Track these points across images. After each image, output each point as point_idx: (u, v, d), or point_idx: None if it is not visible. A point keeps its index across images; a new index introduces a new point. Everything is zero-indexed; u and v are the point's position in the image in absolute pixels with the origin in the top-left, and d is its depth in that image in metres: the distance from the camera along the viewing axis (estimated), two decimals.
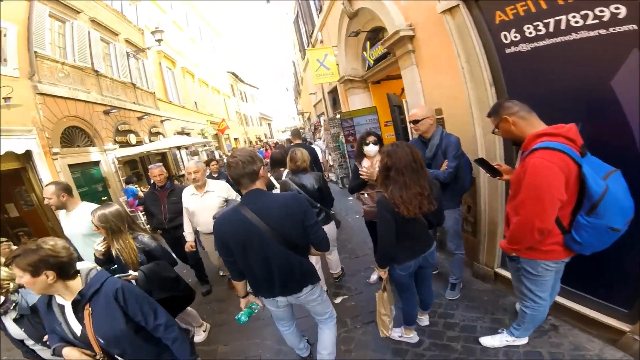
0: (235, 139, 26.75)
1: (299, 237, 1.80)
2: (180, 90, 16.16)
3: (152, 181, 4.03)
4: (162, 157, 12.51)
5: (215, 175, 5.56)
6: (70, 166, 7.52)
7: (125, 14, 11.84)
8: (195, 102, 18.38)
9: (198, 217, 3.42)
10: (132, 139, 10.13)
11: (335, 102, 8.74)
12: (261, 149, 13.34)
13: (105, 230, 2.23)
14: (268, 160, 9.35)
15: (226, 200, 3.41)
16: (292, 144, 6.87)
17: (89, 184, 8.21)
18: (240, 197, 3.19)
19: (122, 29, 11.18)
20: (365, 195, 3.41)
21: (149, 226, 4.44)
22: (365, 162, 3.40)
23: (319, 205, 3.13)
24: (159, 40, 11.85)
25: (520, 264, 1.97)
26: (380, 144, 3.33)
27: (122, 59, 10.98)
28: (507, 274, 2.82)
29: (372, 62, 5.90)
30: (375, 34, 5.82)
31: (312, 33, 9.62)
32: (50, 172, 6.81)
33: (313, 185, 3.05)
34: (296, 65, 17.26)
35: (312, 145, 8.01)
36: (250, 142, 30.18)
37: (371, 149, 3.28)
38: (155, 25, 12.71)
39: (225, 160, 11.60)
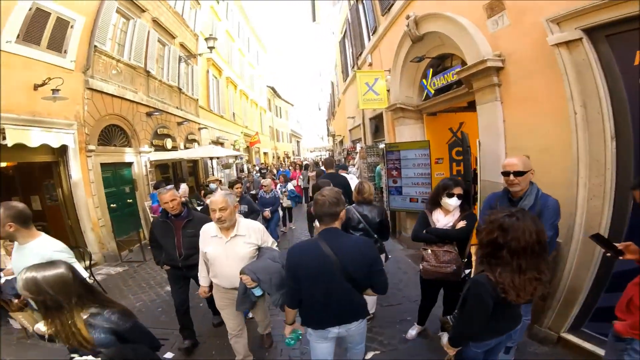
0: (265, 154, 26.67)
1: (363, 278, 1.93)
2: (222, 100, 16.17)
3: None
4: (193, 164, 12.29)
5: (238, 199, 5.03)
6: (102, 165, 7.25)
7: (185, 18, 11.93)
8: (234, 113, 18.38)
9: (219, 267, 2.58)
10: (169, 143, 9.91)
11: (377, 130, 8.12)
12: (287, 169, 12.80)
13: (36, 304, 1.49)
14: (300, 176, 8.88)
15: (258, 248, 2.59)
16: (323, 171, 7.57)
17: (117, 184, 7.92)
18: (275, 243, 2.78)
19: (179, 33, 11.21)
20: (429, 251, 2.74)
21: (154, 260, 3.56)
22: (440, 216, 2.74)
23: (375, 236, 3.22)
24: (211, 48, 11.88)
25: (630, 344, 1.68)
26: (466, 199, 2.63)
27: (174, 62, 10.96)
28: (574, 339, 2.73)
29: (433, 92, 5.26)
30: (440, 61, 5.21)
31: (360, 55, 9.18)
32: (81, 168, 6.53)
33: (375, 217, 3.23)
34: (335, 86, 16.96)
35: (344, 174, 7.44)
36: (279, 157, 30.05)
37: (453, 202, 2.68)
38: (209, 32, 12.79)
39: (252, 175, 11.10)
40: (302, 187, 10.97)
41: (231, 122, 17.78)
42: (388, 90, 6.52)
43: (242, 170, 15.98)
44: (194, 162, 12.19)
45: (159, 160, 9.15)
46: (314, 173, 9.48)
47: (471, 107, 5.25)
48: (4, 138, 4.87)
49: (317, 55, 31.36)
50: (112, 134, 7.87)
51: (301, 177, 11.04)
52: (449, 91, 4.87)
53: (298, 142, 45.09)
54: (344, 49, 12.11)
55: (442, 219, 2.83)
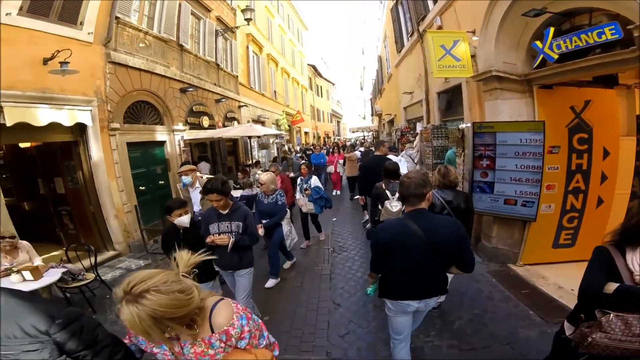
0: (306, 133, 25.26)
1: (452, 255, 1.90)
2: (262, 77, 14.81)
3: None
4: (233, 143, 11.22)
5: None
6: (130, 144, 6.26)
7: None
8: (275, 91, 17.02)
9: None
10: (205, 121, 8.80)
11: (449, 107, 6.18)
12: (322, 152, 10.66)
13: None
14: (341, 161, 7.27)
15: None
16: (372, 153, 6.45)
17: (148, 165, 6.97)
18: None
19: (215, 6, 9.92)
20: (613, 317, 1.41)
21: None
22: None
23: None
24: (248, 20, 10.43)
25: None
26: None
27: (209, 37, 9.68)
28: None
29: (555, 57, 3.36)
30: (566, 18, 3.38)
31: (423, 19, 7.13)
32: (102, 149, 5.54)
33: (460, 204, 2.76)
34: (384, 60, 14.74)
35: (394, 158, 5.82)
36: (319, 137, 28.49)
37: None
38: (247, 4, 11.31)
39: (293, 156, 9.58)
40: (341, 173, 9.42)
41: (272, 101, 16.47)
42: (473, 57, 4.63)
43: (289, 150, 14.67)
44: (234, 142, 11.11)
45: (194, 139, 8.07)
46: (351, 154, 8.77)
47: (599, 81, 3.83)
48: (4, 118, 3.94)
49: (361, 31, 28.74)
50: (141, 111, 6.82)
51: (340, 162, 9.40)
52: (587, 56, 3.02)
53: (338, 122, 43.06)
54: (397, 17, 9.95)
55: None
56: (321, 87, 32.81)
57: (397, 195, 3.24)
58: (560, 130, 3.72)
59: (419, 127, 7.73)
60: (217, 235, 2.68)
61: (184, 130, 7.82)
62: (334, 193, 9.21)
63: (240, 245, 2.72)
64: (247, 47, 13.17)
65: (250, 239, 2.79)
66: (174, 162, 7.44)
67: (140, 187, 6.62)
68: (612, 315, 1.37)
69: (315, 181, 5.09)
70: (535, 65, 3.68)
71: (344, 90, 49.58)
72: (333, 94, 40.21)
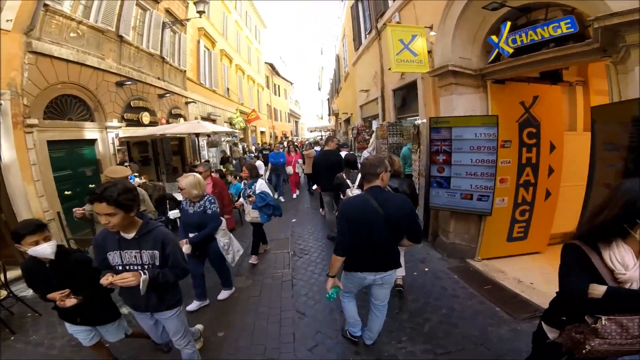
0: (262, 132, 24.53)
1: (404, 227, 2.14)
2: (214, 74, 13.93)
3: None
4: (179, 142, 10.31)
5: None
6: (51, 143, 5.34)
7: None
8: (228, 89, 16.17)
9: None
10: (145, 118, 7.91)
11: (403, 104, 6.19)
12: (280, 151, 8.89)
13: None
14: (300, 161, 6.85)
15: None
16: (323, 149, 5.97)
17: (75, 166, 6.02)
18: None
19: None
20: (606, 322, 1.30)
21: None
22: (626, 256, 1.34)
23: None
24: (200, 12, 9.57)
25: None
26: None
27: (155, 29, 8.80)
28: None
29: (510, 52, 3.39)
30: (522, 13, 3.49)
31: (382, 15, 7.10)
32: (15, 147, 4.64)
33: (405, 190, 3.14)
34: (342, 59, 14.73)
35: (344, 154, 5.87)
36: (276, 137, 27.88)
37: None
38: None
39: (247, 156, 8.93)
40: (300, 174, 8.99)
41: (225, 98, 15.63)
42: (429, 52, 4.61)
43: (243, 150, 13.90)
44: (180, 140, 10.21)
45: (131, 137, 7.18)
46: (309, 151, 8.64)
47: (546, 78, 4.02)
48: None
49: (320, 31, 28.75)
50: (67, 106, 5.89)
51: (299, 162, 8.79)
52: (541, 50, 3.08)
53: (297, 122, 42.67)
54: (356, 15, 9.92)
55: (630, 263, 1.32)
56: (279, 86, 32.18)
57: (357, 183, 3.68)
58: (512, 125, 3.80)
59: (374, 125, 7.70)
60: (116, 274, 1.82)
61: (120, 127, 6.93)
62: (293, 196, 8.78)
63: (160, 283, 1.90)
64: (198, 42, 12.33)
65: (174, 273, 1.94)
66: (107, 163, 6.54)
67: (66, 192, 5.70)
68: (604, 319, 1.23)
69: (261, 186, 4.26)
70: (490, 59, 3.72)
71: (303, 90, 49.49)
72: (291, 94, 39.74)
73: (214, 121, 13.17)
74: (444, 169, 4.03)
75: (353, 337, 2.69)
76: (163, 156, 9.12)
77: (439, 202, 4.14)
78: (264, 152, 11.87)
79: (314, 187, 5.61)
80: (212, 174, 5.33)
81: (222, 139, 11.51)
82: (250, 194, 4.28)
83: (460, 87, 4.04)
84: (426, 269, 4.10)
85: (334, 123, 20.85)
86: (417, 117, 5.61)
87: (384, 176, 2.15)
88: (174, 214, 3.80)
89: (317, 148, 10.69)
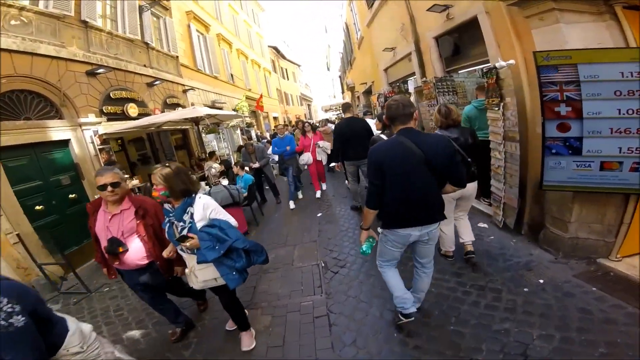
0: (275, 118, 23.07)
1: (445, 168, 1.84)
2: (213, 59, 12.49)
3: None
4: (183, 135, 9.07)
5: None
6: (5, 150, 4.16)
7: None
8: (232, 75, 14.74)
9: None
10: (132, 109, 6.62)
11: (456, 51, 4.38)
12: (289, 134, 6.55)
13: None
14: (321, 143, 5.08)
15: None
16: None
17: (45, 175, 4.83)
18: None
19: None
20: None
21: None
22: None
23: (469, 160, 2.54)
24: None
25: None
26: None
27: (131, 13, 7.43)
28: None
29: None
30: None
31: None
32: None
33: (467, 139, 2.65)
34: (351, 26, 12.79)
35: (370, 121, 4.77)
36: (290, 121, 26.32)
37: None
38: None
39: (254, 144, 6.45)
40: (324, 161, 5.96)
41: (230, 85, 14.26)
42: None
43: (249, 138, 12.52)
44: (183, 133, 8.97)
45: (114, 134, 5.91)
46: (325, 127, 7.37)
47: None
48: None
49: (321, 9, 26.46)
50: (21, 104, 4.67)
51: (320, 145, 5.83)
52: None
53: (309, 105, 40.86)
54: None
55: None
56: (286, 69, 30.38)
57: None
58: None
59: (411, 85, 5.98)
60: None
61: (99, 122, 5.67)
62: (317, 195, 6.16)
63: None
64: (189, 26, 10.94)
65: None
66: (88, 167, 5.35)
67: (37, 207, 4.54)
68: None
69: (206, 209, 2.11)
70: None
71: (312, 73, 47.29)
72: (300, 77, 37.82)
73: (220, 109, 11.89)
74: (570, 125, 2.38)
75: (405, 317, 2.17)
76: (163, 152, 7.90)
77: (559, 179, 2.51)
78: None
79: (332, 164, 4.90)
80: (157, 189, 2.16)
81: (226, 125, 10.02)
82: (186, 232, 2.00)
83: (568, 13, 2.49)
84: (541, 281, 2.57)
85: (350, 99, 19.00)
86: (476, 66, 3.98)
87: (416, 115, 1.91)
88: None
89: (331, 125, 9.14)
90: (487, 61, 3.58)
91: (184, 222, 2.04)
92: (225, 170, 5.80)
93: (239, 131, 10.88)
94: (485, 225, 3.72)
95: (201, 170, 6.95)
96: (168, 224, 2.10)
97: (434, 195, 1.88)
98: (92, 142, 5.46)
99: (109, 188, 2.15)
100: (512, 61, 2.79)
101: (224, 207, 4.50)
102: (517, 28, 3.02)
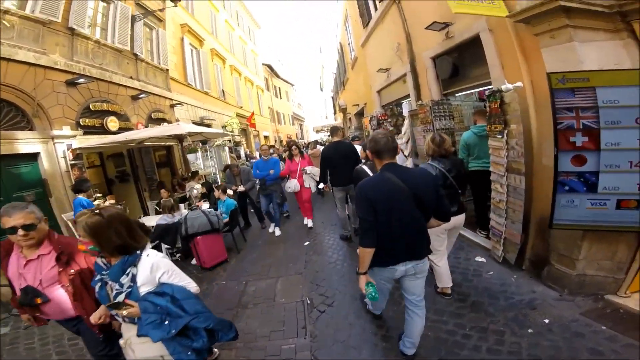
0: (266, 137, 22.96)
1: (431, 202, 1.85)
2: (205, 74, 12.42)
3: None
4: (167, 152, 8.74)
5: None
6: None
7: None
8: (224, 91, 14.66)
9: None
10: (112, 123, 6.32)
11: (455, 72, 4.27)
12: (273, 156, 6.40)
13: None
14: (309, 169, 4.65)
15: None
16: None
17: (9, 191, 4.44)
18: None
19: None
20: None
21: None
22: None
23: (460, 190, 2.63)
24: (175, 1, 8.04)
25: None
26: None
27: (123, 23, 7.35)
28: None
29: None
30: None
31: None
32: None
33: (460, 171, 2.66)
34: (345, 46, 12.99)
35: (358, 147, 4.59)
36: (281, 141, 26.25)
37: None
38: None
39: (240, 166, 6.07)
40: (313, 189, 5.33)
41: (221, 101, 14.15)
42: None
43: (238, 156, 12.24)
44: (168, 149, 8.65)
45: (90, 148, 5.57)
46: (314, 150, 7.30)
47: None
48: None
49: (317, 29, 27.22)
50: None
51: (307, 170, 5.19)
52: None
53: (301, 124, 41.12)
54: None
55: None
56: (279, 88, 30.69)
57: None
58: None
59: (405, 108, 5.91)
60: None
61: (73, 136, 5.35)
62: (308, 224, 5.52)
63: None
64: (182, 39, 10.90)
65: None
66: (57, 183, 4.98)
67: None
68: None
69: (154, 273, 1.61)
70: None
71: (305, 93, 48.00)
72: (293, 96, 38.23)
73: (209, 126, 11.67)
74: (586, 158, 2.22)
75: None
76: (143, 170, 7.54)
77: (571, 217, 2.33)
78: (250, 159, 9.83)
79: (321, 186, 4.75)
80: (83, 241, 1.95)
81: (214, 144, 9.74)
82: (122, 298, 1.55)
83: (582, 31, 2.38)
84: (546, 320, 2.39)
85: (341, 120, 19.10)
86: (476, 88, 3.89)
87: (398, 150, 1.95)
88: None
89: (320, 147, 9.01)
90: (489, 83, 3.50)
91: (121, 285, 1.54)
92: (207, 192, 5.46)
93: (227, 150, 10.59)
94: (483, 260, 3.50)
95: (183, 191, 6.60)
96: (99, 283, 1.60)
97: (421, 231, 1.89)
98: (65, 157, 5.11)
99: (20, 231, 1.72)
100: (519, 84, 2.65)
101: (202, 234, 4.29)
102: (524, 47, 2.91)
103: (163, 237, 4.37)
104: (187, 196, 6.38)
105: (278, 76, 29.76)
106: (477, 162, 3.51)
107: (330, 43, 19.25)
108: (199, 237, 4.15)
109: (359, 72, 10.63)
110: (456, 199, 2.59)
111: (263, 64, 24.99)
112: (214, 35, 14.23)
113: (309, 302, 3.18)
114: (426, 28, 4.18)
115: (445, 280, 2.79)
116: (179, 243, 4.47)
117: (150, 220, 4.75)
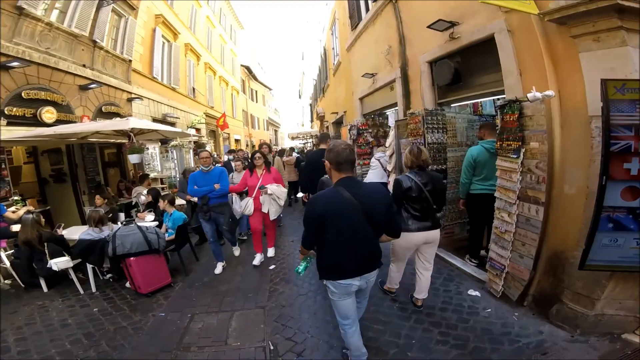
0: (237, 141, 22.04)
1: (382, 220, 1.88)
2: (175, 69, 11.56)
3: None
4: (117, 151, 7.79)
5: None
6: None
7: None
8: (194, 89, 13.78)
9: None
10: (48, 115, 5.40)
11: (457, 79, 3.79)
12: (217, 166, 5.01)
13: None
14: (275, 188, 3.97)
15: None
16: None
17: None
18: None
19: None
20: None
21: None
22: None
23: (435, 206, 2.63)
24: None
25: None
26: None
27: (87, 7, 6.55)
28: None
29: None
30: None
31: None
32: None
33: (436, 185, 2.61)
34: (329, 50, 12.63)
35: None
36: (253, 145, 25.38)
37: None
38: None
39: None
40: (273, 213, 4.13)
41: (190, 99, 13.27)
42: None
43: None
44: (119, 148, 7.68)
45: (9, 141, 4.58)
46: (290, 157, 7.14)
47: None
48: None
49: (300, 35, 26.93)
50: None
51: (268, 190, 3.99)
52: None
53: (276, 130, 40.38)
54: None
55: None
56: (256, 91, 29.96)
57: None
58: None
59: (392, 117, 5.51)
60: None
61: None
62: (255, 260, 4.25)
63: None
64: (154, 30, 10.08)
65: None
66: None
67: None
68: None
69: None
70: None
71: (283, 99, 47.50)
72: (270, 101, 37.54)
73: (173, 124, 10.73)
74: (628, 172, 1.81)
75: None
76: (84, 169, 6.56)
77: (611, 258, 1.92)
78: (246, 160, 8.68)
79: (300, 194, 4.57)
80: None
81: (170, 145, 8.71)
82: None
83: (634, 34, 2.00)
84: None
85: (318, 128, 18.70)
86: (482, 98, 3.55)
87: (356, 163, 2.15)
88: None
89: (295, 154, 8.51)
90: (499, 92, 3.11)
91: None
92: (153, 201, 4.64)
93: (191, 152, 9.70)
94: (477, 294, 3.08)
95: (130, 196, 5.75)
96: None
97: (373, 245, 1.91)
98: None
99: None
100: (550, 92, 2.25)
101: (138, 254, 3.46)
102: (553, 51, 2.51)
103: (87, 255, 3.60)
104: (133, 203, 5.54)
105: (256, 79, 29.05)
106: (484, 185, 3.07)
107: (313, 48, 18.96)
108: (131, 259, 3.42)
109: (341, 78, 10.26)
110: (430, 213, 2.58)
111: (241, 65, 24.25)
112: (191, 30, 13.46)
113: (272, 347, 2.55)
114: (428, 27, 3.79)
115: (393, 281, 3.04)
116: (107, 262, 3.70)
117: (77, 232, 3.94)
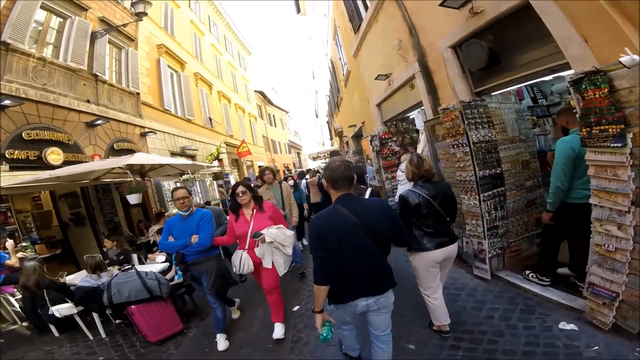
0: (260, 167, 22.02)
1: (387, 235, 1.84)
2: (187, 100, 11.66)
3: None
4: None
5: None
6: None
7: None
8: (211, 119, 13.88)
9: None
10: (54, 156, 5.29)
11: (493, 61, 3.03)
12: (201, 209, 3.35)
13: None
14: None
15: None
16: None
17: None
18: None
19: (97, 6, 7.40)
20: None
21: None
22: None
23: (448, 219, 2.44)
24: (140, 14, 7.40)
25: None
26: None
27: (81, 39, 6.64)
28: None
29: None
30: None
31: None
32: None
33: (445, 195, 2.43)
34: (337, 61, 12.28)
35: None
36: (278, 170, 25.36)
37: None
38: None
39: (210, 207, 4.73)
40: (282, 272, 2.98)
41: (207, 130, 13.32)
42: None
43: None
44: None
45: (12, 188, 4.38)
46: (314, 179, 6.93)
47: None
48: None
49: (308, 53, 27.27)
50: None
51: (267, 238, 2.83)
52: None
53: (298, 153, 40.56)
54: None
55: None
56: (273, 115, 30.33)
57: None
58: None
59: (418, 119, 4.85)
60: None
61: None
62: (275, 333, 2.99)
63: None
64: (158, 60, 10.23)
65: None
66: None
67: None
68: None
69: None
70: None
71: (301, 121, 48.02)
72: (289, 124, 37.95)
73: (193, 157, 10.68)
74: None
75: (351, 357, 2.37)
76: (101, 211, 6.41)
77: None
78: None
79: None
80: None
81: (181, 179, 8.46)
82: None
83: None
84: None
85: (338, 145, 18.23)
86: (535, 78, 2.94)
87: (354, 180, 1.92)
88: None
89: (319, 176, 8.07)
90: (556, 68, 2.43)
91: None
92: None
93: (215, 183, 9.47)
94: (574, 327, 2.30)
95: (143, 237, 5.47)
96: None
97: (377, 262, 1.82)
98: None
99: None
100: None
101: (139, 302, 3.01)
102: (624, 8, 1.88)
103: (87, 302, 3.31)
104: (152, 241, 5.25)
105: (272, 103, 29.50)
106: (588, 189, 2.15)
107: (321, 64, 18.84)
108: (133, 307, 3.00)
109: (353, 88, 9.79)
110: (445, 227, 2.42)
111: (255, 91, 24.70)
112: (197, 59, 13.74)
113: None
114: (440, 4, 3.21)
115: (442, 316, 2.52)
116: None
117: (76, 279, 3.64)
